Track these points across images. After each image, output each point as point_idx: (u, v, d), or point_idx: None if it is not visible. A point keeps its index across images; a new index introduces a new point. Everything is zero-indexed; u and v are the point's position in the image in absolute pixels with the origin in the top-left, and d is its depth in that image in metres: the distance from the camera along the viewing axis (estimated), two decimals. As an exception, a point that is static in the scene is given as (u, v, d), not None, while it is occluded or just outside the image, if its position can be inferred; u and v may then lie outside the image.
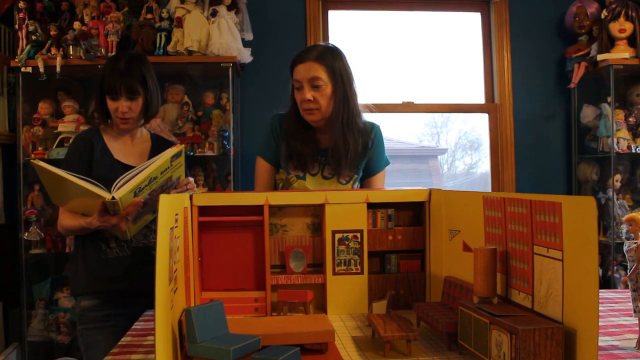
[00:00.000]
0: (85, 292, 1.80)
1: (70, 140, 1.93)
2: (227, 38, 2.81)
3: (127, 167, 1.79)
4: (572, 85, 3.19)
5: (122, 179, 1.49)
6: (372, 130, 1.89)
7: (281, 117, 1.88)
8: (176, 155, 1.55)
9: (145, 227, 1.81)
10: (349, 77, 1.79)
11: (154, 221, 1.84)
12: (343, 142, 1.77)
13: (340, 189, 1.77)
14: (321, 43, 1.83)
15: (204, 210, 1.44)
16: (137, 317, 1.56)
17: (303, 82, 1.74)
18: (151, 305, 1.58)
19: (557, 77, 3.37)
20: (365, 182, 1.92)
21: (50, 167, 1.51)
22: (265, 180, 1.89)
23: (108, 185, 1.55)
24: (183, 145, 1.59)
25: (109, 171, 1.78)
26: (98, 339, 1.78)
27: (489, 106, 3.42)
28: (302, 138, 1.80)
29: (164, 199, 0.97)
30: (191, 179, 1.73)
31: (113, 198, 1.46)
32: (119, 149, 1.86)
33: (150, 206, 1.63)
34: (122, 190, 1.47)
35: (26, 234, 2.82)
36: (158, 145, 1.92)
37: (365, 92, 3.55)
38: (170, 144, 1.96)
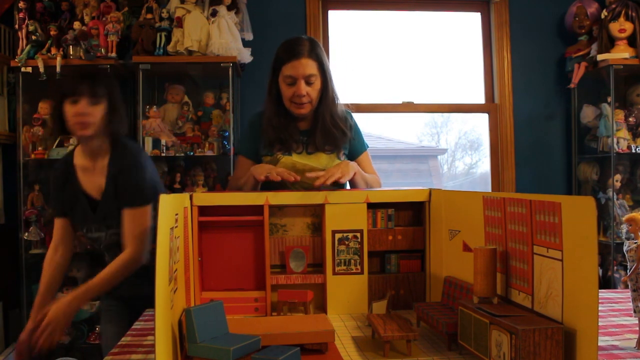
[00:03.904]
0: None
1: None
2: (227, 38, 2.82)
3: (89, 199, 1.74)
4: (572, 85, 3.19)
5: None
6: (349, 116, 1.92)
7: (260, 115, 1.89)
8: None
9: None
10: (329, 67, 1.83)
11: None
12: (327, 123, 1.80)
13: (326, 165, 1.79)
14: (303, 36, 1.82)
15: (204, 210, 1.44)
16: (126, 316, 1.60)
17: (298, 78, 1.74)
18: (135, 308, 1.61)
19: (557, 77, 3.37)
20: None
21: None
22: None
23: (77, 219, 1.69)
24: None
25: (74, 203, 1.76)
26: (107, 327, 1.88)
27: (489, 106, 3.42)
28: (284, 127, 1.81)
29: (164, 199, 0.97)
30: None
31: None
32: (84, 176, 1.77)
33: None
34: None
35: (26, 234, 2.82)
36: (115, 154, 1.73)
37: (366, 92, 3.57)
38: (124, 149, 1.75)
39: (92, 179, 1.75)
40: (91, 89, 1.67)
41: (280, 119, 1.82)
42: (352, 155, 1.91)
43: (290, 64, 1.75)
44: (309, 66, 1.74)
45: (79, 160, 1.77)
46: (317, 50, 1.77)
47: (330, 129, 1.80)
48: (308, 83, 1.75)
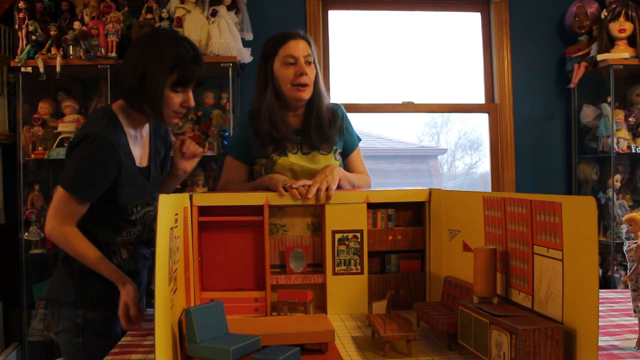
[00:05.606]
0: (92, 304, 1.55)
1: (87, 148, 1.44)
2: (227, 38, 2.82)
3: (143, 172, 1.59)
4: (572, 85, 3.19)
5: None
6: (339, 109, 1.90)
7: (249, 114, 1.84)
8: None
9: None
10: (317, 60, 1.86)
11: None
12: (322, 114, 1.79)
13: (321, 162, 1.78)
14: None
15: (204, 210, 1.44)
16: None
17: (299, 58, 1.73)
18: (151, 305, 1.56)
19: (557, 77, 3.37)
20: (346, 160, 1.90)
21: None
22: (239, 177, 1.83)
23: (131, 193, 1.47)
24: None
25: (135, 185, 1.54)
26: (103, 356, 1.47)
27: (489, 106, 3.42)
28: (278, 121, 1.75)
29: (163, 199, 0.96)
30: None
31: None
32: (134, 146, 1.58)
33: None
34: None
35: (26, 234, 2.82)
36: (155, 131, 1.69)
37: (366, 92, 3.58)
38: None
39: (140, 148, 1.61)
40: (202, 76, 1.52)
41: (274, 110, 1.76)
42: (346, 152, 1.89)
43: (288, 44, 1.73)
44: (307, 48, 1.76)
45: (129, 127, 1.56)
46: (309, 37, 1.80)
47: (324, 124, 1.78)
48: (308, 63, 1.75)
